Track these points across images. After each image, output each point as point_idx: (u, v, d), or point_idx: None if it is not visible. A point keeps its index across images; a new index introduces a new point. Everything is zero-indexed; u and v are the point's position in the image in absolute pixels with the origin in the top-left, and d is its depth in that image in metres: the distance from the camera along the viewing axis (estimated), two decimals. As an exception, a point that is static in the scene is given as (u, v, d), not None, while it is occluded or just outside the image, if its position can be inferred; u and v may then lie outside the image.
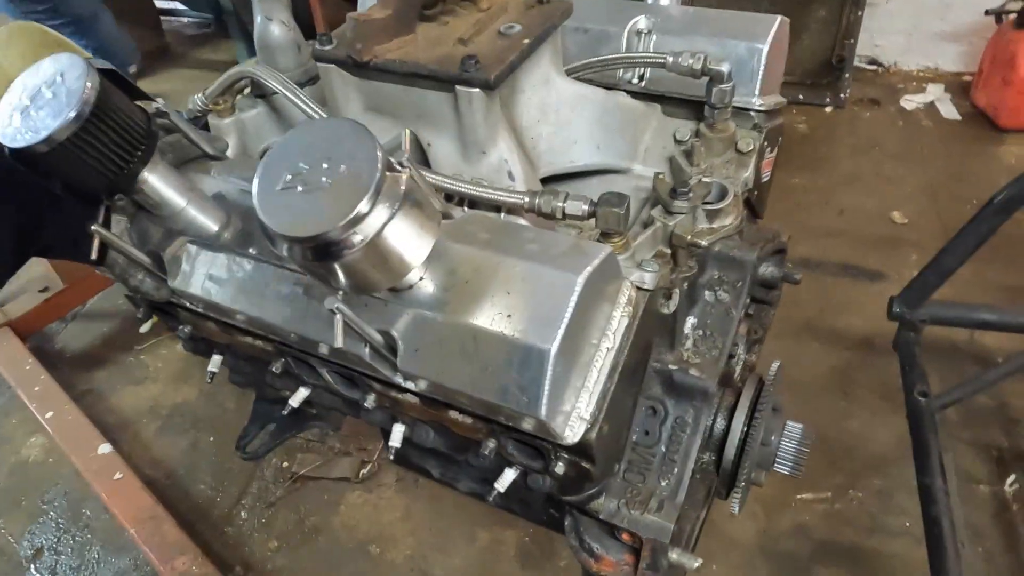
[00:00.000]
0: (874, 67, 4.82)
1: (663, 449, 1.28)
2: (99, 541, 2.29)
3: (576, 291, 0.94)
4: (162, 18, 5.72)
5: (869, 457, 2.42)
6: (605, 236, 1.14)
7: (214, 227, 1.18)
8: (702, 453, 1.35)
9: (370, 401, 1.23)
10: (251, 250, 1.17)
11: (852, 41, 4.29)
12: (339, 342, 0.91)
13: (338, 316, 0.91)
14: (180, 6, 5.34)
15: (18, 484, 2.53)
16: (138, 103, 1.12)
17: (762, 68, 1.41)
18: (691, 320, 1.32)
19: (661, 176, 1.36)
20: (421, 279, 1.00)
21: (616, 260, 1.05)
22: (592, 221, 1.14)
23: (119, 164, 1.04)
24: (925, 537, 1.73)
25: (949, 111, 4.29)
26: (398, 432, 1.31)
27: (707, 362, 1.28)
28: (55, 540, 2.32)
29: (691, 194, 1.24)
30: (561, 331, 0.93)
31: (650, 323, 1.17)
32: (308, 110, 1.26)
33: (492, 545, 2.19)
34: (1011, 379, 2.17)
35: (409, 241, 0.87)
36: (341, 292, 0.91)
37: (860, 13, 4.20)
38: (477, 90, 1.16)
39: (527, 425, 1.01)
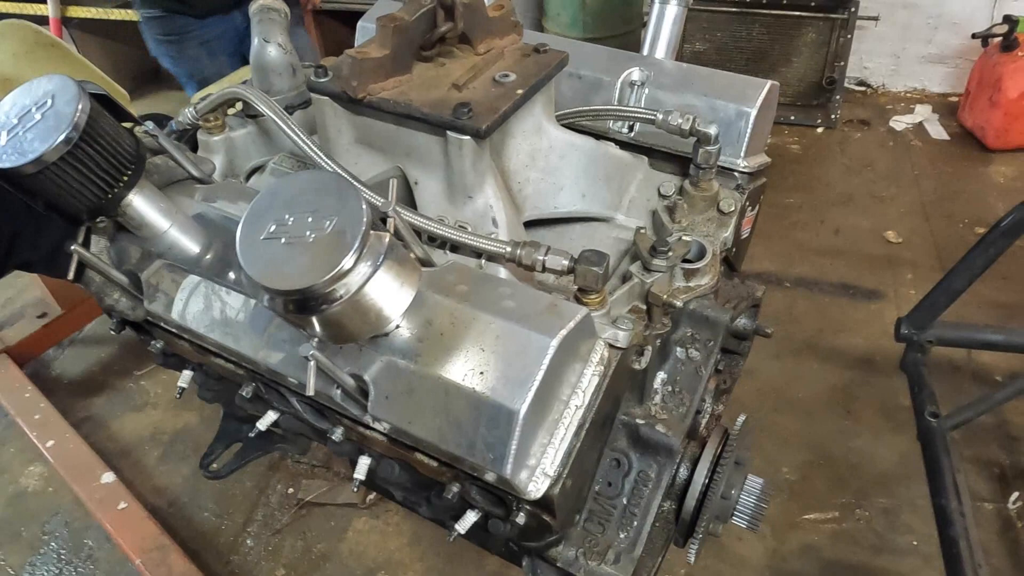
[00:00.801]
0: (863, 88, 4.93)
1: (624, 502, 1.29)
2: (103, 572, 2.24)
3: (549, 354, 0.95)
4: None
5: (874, 476, 2.44)
6: (583, 292, 1.16)
7: (194, 252, 1.18)
8: (663, 502, 1.37)
9: (338, 434, 1.24)
10: (230, 275, 1.17)
11: (842, 63, 4.39)
12: (311, 391, 0.92)
13: (312, 363, 0.91)
14: None
15: (17, 514, 2.46)
16: (126, 124, 1.11)
17: (749, 131, 1.43)
18: (661, 375, 1.34)
19: (643, 231, 1.38)
20: (397, 327, 1.00)
21: (591, 320, 1.07)
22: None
23: (105, 188, 1.04)
24: (943, 558, 1.75)
25: (937, 131, 4.39)
26: (363, 465, 1.31)
27: (674, 419, 1.30)
28: (57, 572, 2.26)
29: (670, 253, 1.26)
30: (532, 393, 0.94)
31: (621, 379, 1.19)
32: (298, 140, 1.27)
33: (501, 570, 2.18)
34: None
35: (389, 297, 0.88)
36: (316, 339, 0.92)
37: (849, 36, 4.30)
38: (468, 138, 1.18)
39: (491, 478, 1.02)
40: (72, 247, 1.10)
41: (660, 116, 1.36)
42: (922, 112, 4.60)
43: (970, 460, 2.44)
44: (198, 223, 1.20)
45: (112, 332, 1.40)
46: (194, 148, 1.54)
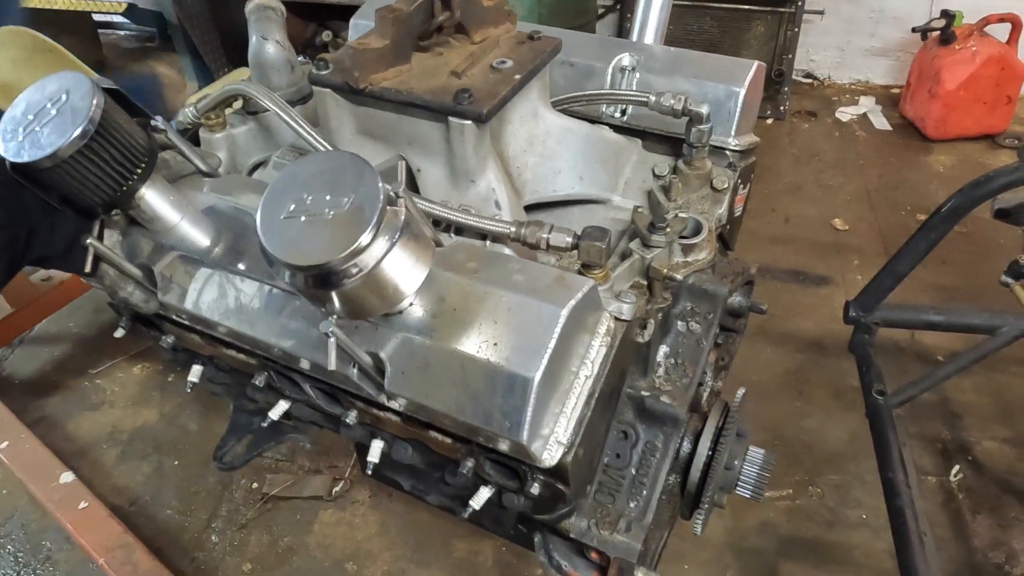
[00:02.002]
0: (810, 81, 5.06)
1: (633, 472, 1.33)
2: (62, 574, 2.23)
3: (560, 323, 0.99)
4: (99, 31, 5.55)
5: (825, 454, 2.54)
6: (586, 267, 1.19)
7: (205, 243, 1.21)
8: (668, 475, 1.41)
9: (351, 418, 1.27)
10: (240, 266, 1.20)
11: (790, 56, 4.50)
12: (332, 365, 0.94)
13: (332, 339, 0.94)
14: (119, 19, 5.17)
15: (-29, 518, 2.43)
16: (137, 120, 1.14)
17: (739, 110, 1.48)
18: (664, 349, 1.38)
19: (640, 209, 1.42)
20: (411, 304, 1.04)
21: (597, 293, 1.11)
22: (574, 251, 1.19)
23: (120, 181, 1.06)
24: (891, 528, 1.83)
25: (881, 122, 4.54)
26: (377, 448, 1.34)
27: (678, 390, 1.34)
28: (14, 575, 2.26)
29: (668, 229, 1.30)
30: (545, 361, 0.98)
31: (626, 351, 1.23)
32: (302, 132, 1.30)
33: (470, 556, 2.22)
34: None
35: (405, 271, 0.91)
36: (335, 316, 0.95)
37: (797, 30, 4.42)
38: (469, 122, 1.21)
39: (505, 447, 1.05)
40: (88, 240, 1.13)
41: (653, 98, 1.40)
42: (866, 103, 4.74)
43: (914, 436, 2.54)
44: (207, 215, 1.23)
45: (122, 328, 1.42)
46: (196, 146, 1.57)
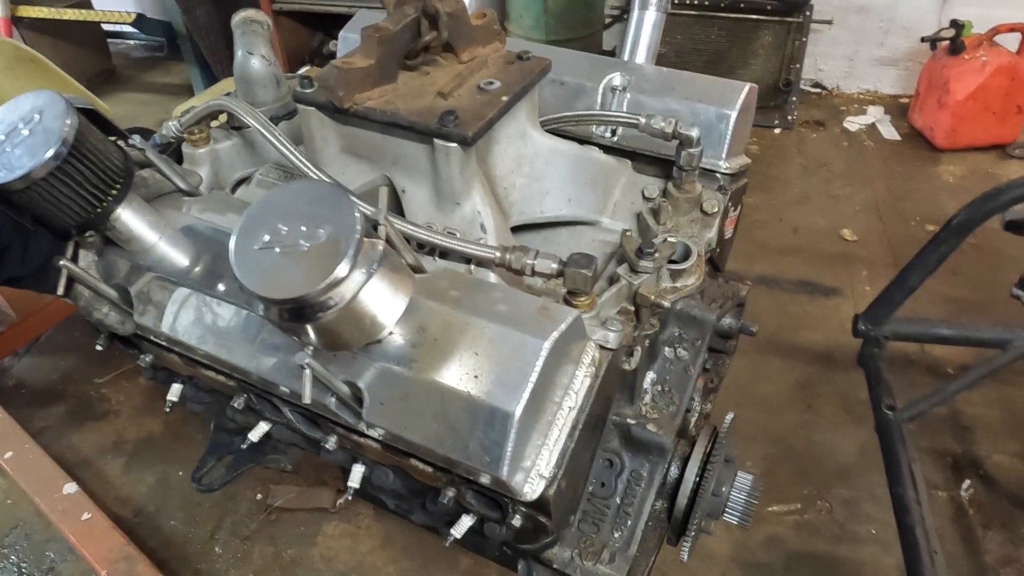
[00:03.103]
0: (818, 90, 5.06)
1: (618, 501, 1.31)
2: None
3: (543, 356, 0.97)
4: (109, 40, 5.53)
5: (834, 467, 2.51)
6: (572, 294, 1.17)
7: (183, 264, 1.18)
8: (655, 501, 1.39)
9: (331, 443, 1.24)
10: (220, 287, 1.18)
11: (798, 66, 4.50)
12: (307, 399, 0.92)
13: (307, 371, 0.92)
14: (129, 29, 5.17)
15: (-25, 528, 2.39)
16: (113, 139, 1.12)
17: (730, 133, 1.46)
18: (650, 375, 1.36)
19: (629, 233, 1.40)
20: (391, 334, 1.01)
21: (582, 322, 1.08)
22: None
23: (94, 203, 1.04)
24: (901, 546, 1.80)
25: (889, 132, 4.54)
26: (357, 473, 1.32)
27: (664, 418, 1.32)
28: None
29: (656, 254, 1.28)
30: (526, 395, 0.95)
31: (612, 379, 1.21)
32: (284, 150, 1.27)
33: (474, 568, 2.19)
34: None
35: (383, 303, 0.89)
36: (311, 347, 0.92)
37: (804, 39, 4.42)
38: (455, 145, 1.19)
39: (486, 480, 1.03)
40: (61, 262, 1.10)
41: (643, 120, 1.38)
42: (874, 113, 4.74)
43: (924, 450, 2.52)
44: (186, 235, 1.20)
45: (99, 348, 1.39)
46: (179, 161, 1.54)
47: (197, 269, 1.18)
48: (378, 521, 2.30)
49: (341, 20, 4.57)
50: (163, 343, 1.25)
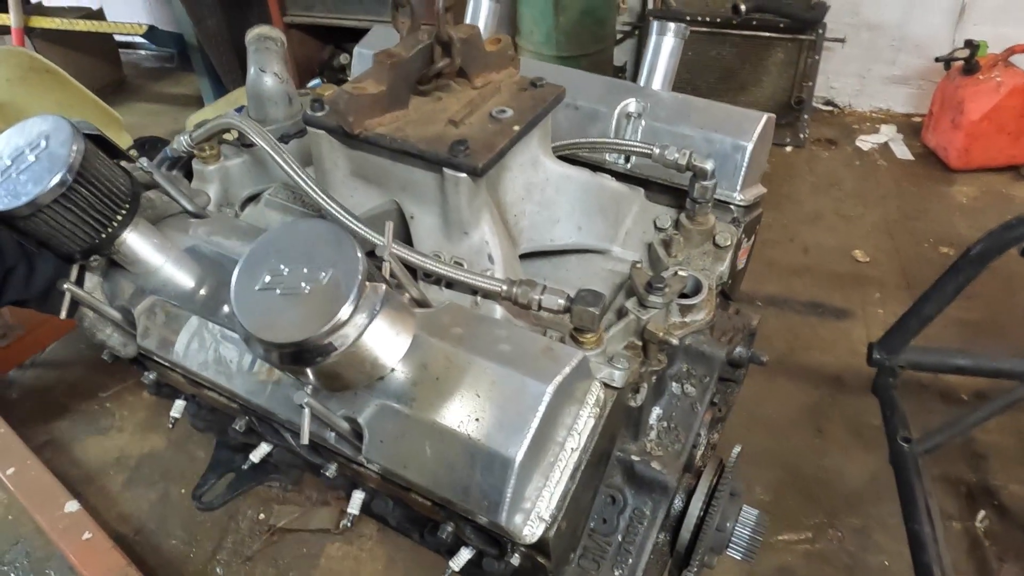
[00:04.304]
0: (830, 108, 5.02)
1: (619, 539, 1.29)
2: None
3: (545, 401, 0.95)
4: (120, 51, 5.61)
5: (845, 495, 2.47)
6: (578, 331, 1.15)
7: (188, 288, 1.18)
8: (658, 533, 1.37)
9: (332, 471, 1.23)
10: (224, 311, 1.17)
11: (810, 83, 4.47)
12: (305, 439, 0.91)
13: (306, 411, 0.90)
14: (140, 39, 5.19)
15: (-25, 543, 2.39)
16: (120, 161, 1.11)
17: (745, 164, 1.43)
18: (656, 411, 1.34)
19: (639, 265, 1.38)
20: (392, 371, 1.00)
21: (587, 362, 1.07)
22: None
23: (99, 229, 1.03)
24: None
25: (902, 151, 4.49)
26: (357, 499, 1.31)
27: (669, 455, 1.30)
28: None
29: (666, 289, 1.26)
30: (527, 440, 0.94)
31: (616, 417, 1.19)
32: (292, 173, 1.26)
33: None
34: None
35: (385, 346, 0.88)
36: (310, 386, 0.91)
37: (817, 57, 4.38)
38: (464, 175, 1.17)
39: (484, 521, 1.01)
40: (65, 286, 1.10)
41: (657, 150, 1.36)
42: (887, 132, 4.69)
43: (938, 478, 2.48)
44: (192, 258, 1.20)
45: (105, 359, 1.39)
46: (189, 174, 1.54)
47: (201, 293, 1.18)
48: (381, 544, 2.29)
49: (351, 33, 4.61)
50: (166, 364, 1.24)
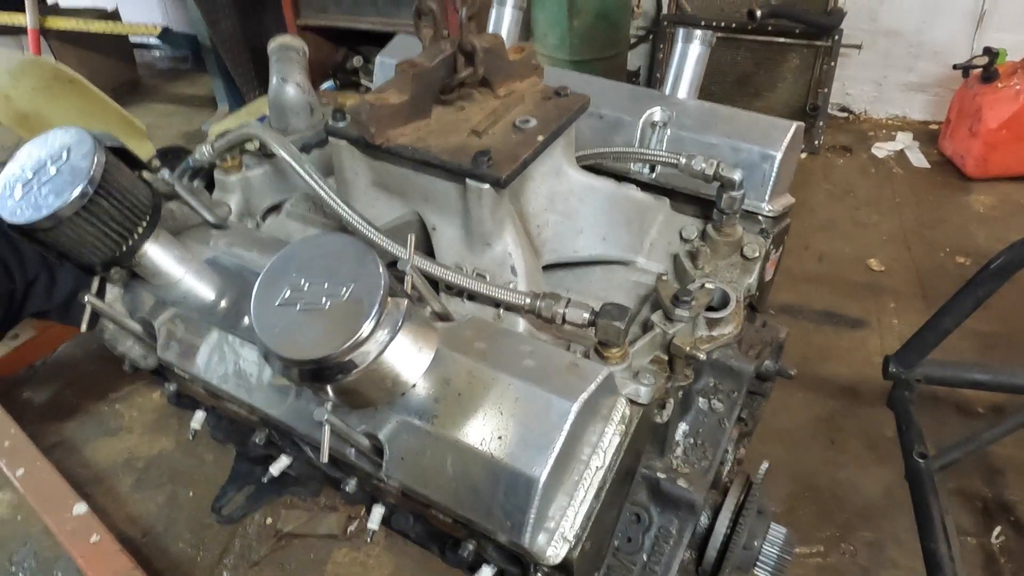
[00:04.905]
0: (845, 115, 4.96)
1: (644, 558, 1.26)
2: None
3: (570, 419, 0.92)
4: (135, 51, 5.65)
5: (859, 508, 2.43)
6: (603, 345, 1.13)
7: (208, 300, 1.17)
8: (684, 552, 1.34)
9: (351, 485, 1.21)
10: (244, 323, 1.15)
11: (825, 90, 4.42)
12: (325, 457, 0.89)
13: (326, 428, 0.89)
14: (154, 40, 5.26)
15: (-16, 543, 2.40)
16: (141, 173, 1.10)
17: (775, 174, 1.40)
18: (683, 427, 1.31)
19: (665, 278, 1.35)
20: (414, 386, 0.98)
21: (612, 379, 1.04)
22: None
23: (119, 241, 1.02)
24: None
25: (918, 159, 4.43)
26: (377, 514, 1.29)
27: (696, 473, 1.27)
28: None
29: (693, 302, 1.23)
30: (552, 459, 0.91)
31: (642, 434, 1.16)
32: (313, 184, 1.25)
33: None
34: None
35: (406, 363, 0.86)
36: (331, 403, 0.89)
37: (833, 64, 4.33)
38: (487, 186, 1.15)
39: (506, 541, 0.99)
40: (86, 298, 1.09)
41: (683, 160, 1.33)
42: (903, 139, 4.63)
43: (953, 492, 2.43)
44: (212, 270, 1.19)
45: (126, 370, 1.38)
46: (211, 184, 1.54)
47: (221, 306, 1.17)
48: (388, 550, 2.27)
49: (365, 36, 4.62)
50: (186, 376, 1.23)
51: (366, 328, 0.78)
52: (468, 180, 1.17)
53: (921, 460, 2.04)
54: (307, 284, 0.82)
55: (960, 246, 3.59)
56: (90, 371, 3.00)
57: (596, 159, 1.47)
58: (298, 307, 0.81)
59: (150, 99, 5.40)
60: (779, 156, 1.39)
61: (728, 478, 1.46)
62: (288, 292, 0.82)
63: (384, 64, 1.75)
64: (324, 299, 0.81)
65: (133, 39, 5.46)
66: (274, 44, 1.49)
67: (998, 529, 2.34)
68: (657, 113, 1.49)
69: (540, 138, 1.21)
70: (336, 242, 0.86)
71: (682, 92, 1.52)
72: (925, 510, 1.93)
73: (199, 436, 1.74)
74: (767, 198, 1.42)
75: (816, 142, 4.48)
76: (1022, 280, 3.16)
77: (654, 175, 1.49)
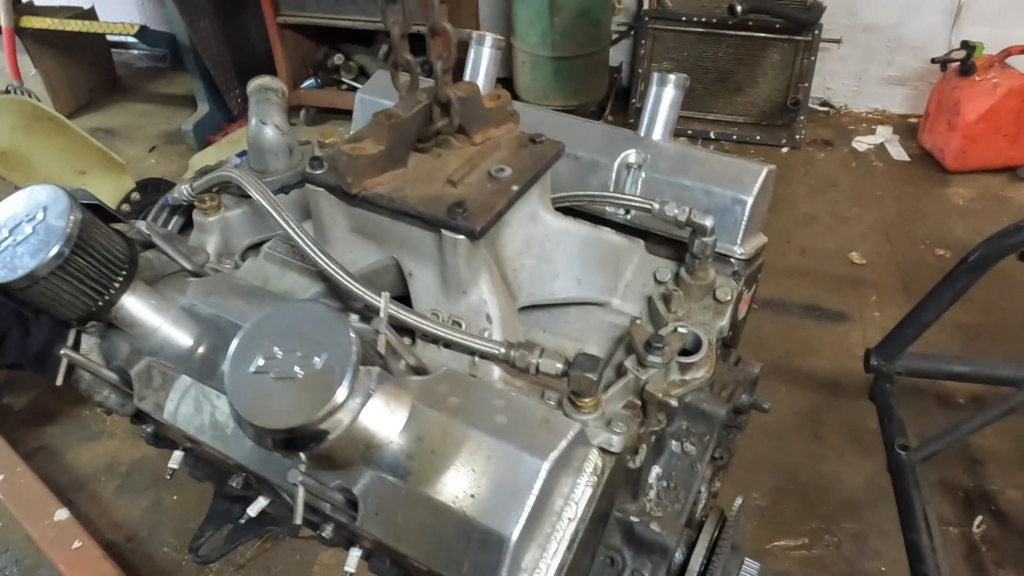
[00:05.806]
0: (826, 109, 5.03)
1: (618, 602, 1.27)
2: None
3: (541, 477, 0.94)
4: (113, 50, 5.59)
5: (842, 500, 2.46)
6: (576, 395, 1.14)
7: (184, 349, 1.17)
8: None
9: (328, 531, 1.22)
10: (220, 374, 1.16)
11: (806, 84, 4.48)
12: (298, 519, 0.90)
13: (300, 490, 0.90)
14: (132, 39, 5.20)
15: (-35, 550, 2.38)
16: (118, 226, 1.11)
17: (746, 218, 1.43)
18: (656, 470, 1.33)
19: (638, 322, 1.38)
20: (389, 442, 0.99)
21: (584, 433, 1.06)
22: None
23: (95, 298, 1.03)
24: None
25: (898, 152, 4.50)
26: (354, 558, 1.29)
27: (669, 516, 1.29)
28: None
29: (666, 348, 1.25)
30: (523, 518, 0.93)
31: (615, 480, 1.18)
32: (289, 231, 1.26)
33: None
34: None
35: (378, 426, 0.87)
36: (304, 465, 0.90)
37: (813, 58, 4.39)
38: (462, 237, 1.17)
39: (481, 594, 1.00)
40: (62, 352, 1.09)
41: (656, 206, 1.36)
42: (883, 133, 4.70)
43: (935, 483, 2.47)
44: (189, 319, 1.19)
45: (102, 415, 1.39)
46: (190, 222, 1.54)
47: (197, 355, 1.17)
48: (375, 549, 2.28)
49: (346, 33, 4.60)
50: (162, 423, 1.24)
51: (339, 396, 0.80)
52: (443, 231, 1.19)
53: (903, 452, 2.07)
54: (280, 352, 0.83)
55: (940, 238, 3.64)
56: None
57: (572, 201, 1.49)
58: (271, 375, 0.82)
59: (129, 99, 5.37)
60: (750, 201, 1.42)
61: (703, 513, 1.48)
62: (262, 360, 0.83)
63: (364, 101, 1.76)
64: (297, 368, 0.82)
65: (110, 38, 5.39)
66: (253, 85, 1.50)
67: (979, 518, 2.38)
68: (632, 155, 1.52)
69: (515, 188, 1.23)
70: (309, 310, 0.88)
71: (656, 134, 1.54)
72: (907, 501, 1.96)
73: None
74: (739, 241, 1.45)
75: (797, 137, 4.53)
76: (1003, 272, 3.23)
77: (629, 216, 1.52)
